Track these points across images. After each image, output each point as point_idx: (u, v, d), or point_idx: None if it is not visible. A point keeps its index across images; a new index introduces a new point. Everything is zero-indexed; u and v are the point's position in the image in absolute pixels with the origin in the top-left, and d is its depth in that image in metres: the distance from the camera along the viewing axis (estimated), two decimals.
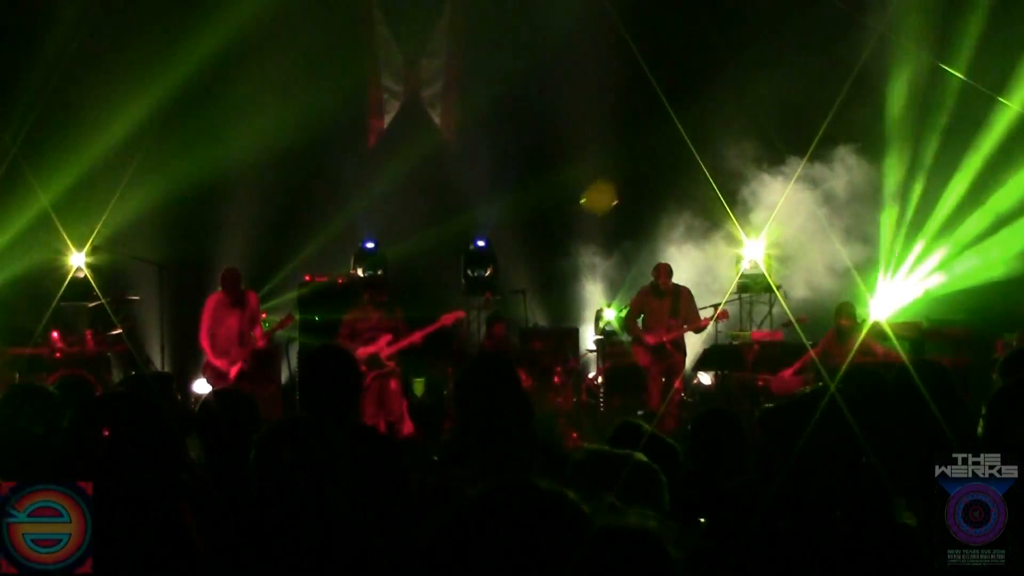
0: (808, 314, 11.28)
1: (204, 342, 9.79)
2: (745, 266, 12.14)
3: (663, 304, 10.42)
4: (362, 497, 3.04)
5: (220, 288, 9.89)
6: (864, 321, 10.29)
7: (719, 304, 11.16)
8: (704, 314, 10.72)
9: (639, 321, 10.58)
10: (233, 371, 9.63)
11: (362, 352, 9.54)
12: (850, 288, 11.50)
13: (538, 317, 12.98)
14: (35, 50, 11.20)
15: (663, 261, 11.08)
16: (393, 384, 9.91)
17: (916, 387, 3.66)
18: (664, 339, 10.28)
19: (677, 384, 10.44)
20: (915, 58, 11.50)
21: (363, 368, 9.63)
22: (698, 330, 10.64)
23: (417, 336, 9.85)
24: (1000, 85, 10.91)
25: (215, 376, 9.61)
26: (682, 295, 10.56)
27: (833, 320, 10.22)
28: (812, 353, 10.07)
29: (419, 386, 11.33)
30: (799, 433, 2.83)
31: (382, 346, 9.74)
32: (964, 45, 11.06)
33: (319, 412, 3.91)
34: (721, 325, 11.34)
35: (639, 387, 10.64)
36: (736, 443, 3.83)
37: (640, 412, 5.47)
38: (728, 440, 3.81)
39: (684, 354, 10.63)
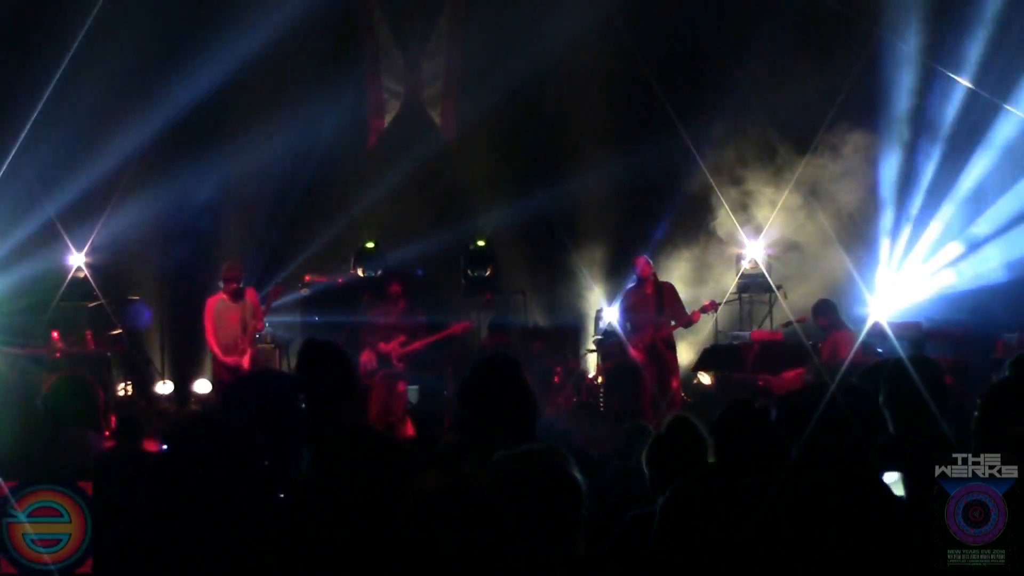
0: (809, 314, 11.27)
1: (212, 344, 9.84)
2: (745, 266, 12.13)
3: (649, 303, 10.37)
4: (358, 498, 3.04)
5: (221, 282, 9.90)
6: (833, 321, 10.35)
7: (718, 304, 11.12)
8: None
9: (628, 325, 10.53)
10: (245, 361, 9.69)
11: (382, 347, 9.71)
12: (851, 288, 11.50)
13: (538, 317, 12.98)
14: (36, 51, 11.19)
15: (663, 261, 11.06)
16: (400, 386, 9.96)
17: (915, 385, 3.64)
18: (657, 337, 10.22)
19: (674, 384, 10.37)
20: (916, 60, 11.50)
21: (375, 366, 9.70)
22: (687, 324, 10.56)
23: (426, 341, 9.96)
24: (1002, 89, 10.92)
25: (228, 373, 9.64)
26: (666, 291, 10.49)
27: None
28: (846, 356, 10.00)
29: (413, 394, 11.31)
30: (806, 426, 2.84)
31: (395, 346, 9.83)
32: (966, 48, 11.07)
33: (311, 409, 3.89)
34: (721, 320, 11.33)
35: (639, 387, 10.60)
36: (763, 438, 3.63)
37: (627, 425, 5.41)
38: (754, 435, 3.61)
39: (675, 351, 10.55)
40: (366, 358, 9.64)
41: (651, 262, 10.60)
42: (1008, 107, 10.82)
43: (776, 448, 3.20)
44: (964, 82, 11.02)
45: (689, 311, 10.48)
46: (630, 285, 10.76)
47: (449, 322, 10.23)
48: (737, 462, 3.43)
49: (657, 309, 10.30)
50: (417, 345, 9.98)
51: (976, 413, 3.12)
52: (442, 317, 10.47)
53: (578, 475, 2.55)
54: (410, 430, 10.20)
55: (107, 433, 4.95)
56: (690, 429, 3.81)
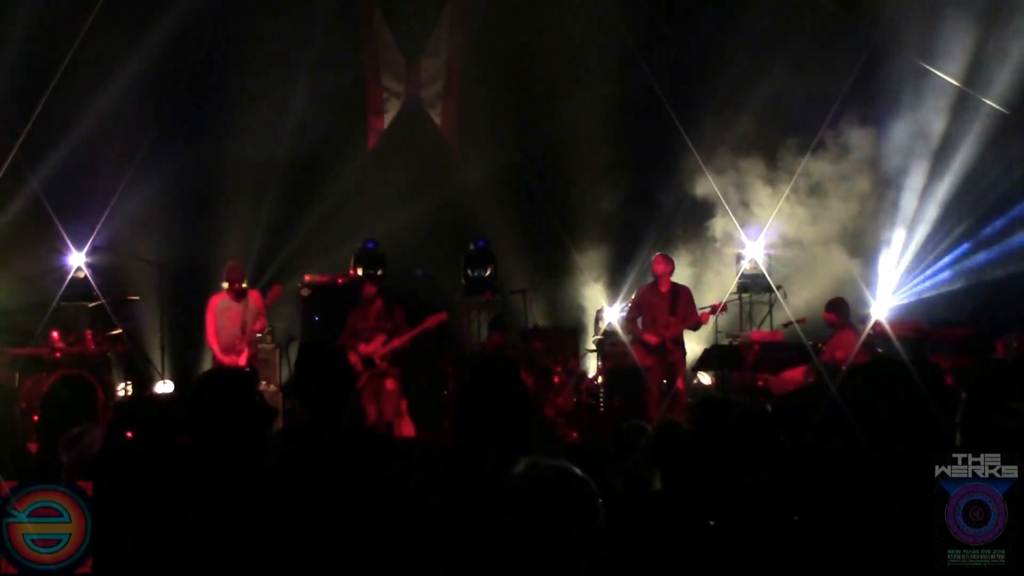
0: (809, 314, 11.28)
1: (212, 343, 9.89)
2: (745, 266, 12.13)
3: (663, 302, 10.41)
4: (359, 498, 3.04)
5: (224, 282, 9.94)
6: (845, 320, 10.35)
7: (725, 304, 11.10)
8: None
9: (638, 321, 10.57)
10: (242, 361, 9.75)
11: (363, 349, 9.78)
12: (851, 288, 11.49)
13: (538, 317, 12.97)
14: (35, 50, 11.19)
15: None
16: (389, 384, 10.03)
17: (915, 385, 3.64)
18: (666, 336, 10.25)
19: (680, 385, 10.37)
20: (911, 61, 11.50)
21: (359, 368, 9.75)
22: (696, 327, 10.62)
23: (405, 338, 10.02)
24: (989, 87, 10.93)
25: None
26: (682, 294, 10.54)
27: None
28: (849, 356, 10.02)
29: None
30: (806, 426, 2.84)
31: (377, 346, 9.91)
32: (955, 47, 11.08)
33: (312, 411, 3.89)
34: (721, 321, 11.32)
35: (639, 387, 10.61)
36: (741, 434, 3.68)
37: (624, 424, 5.41)
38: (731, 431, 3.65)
39: (684, 350, 10.61)
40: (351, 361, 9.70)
41: (669, 260, 10.60)
42: (1000, 107, 10.84)
43: (761, 446, 3.20)
44: (960, 84, 11.02)
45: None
46: (647, 284, 10.78)
47: (423, 317, 10.28)
48: (719, 459, 3.46)
49: (671, 309, 10.35)
50: (396, 343, 10.04)
51: (964, 395, 3.11)
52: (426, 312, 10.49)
53: (601, 507, 2.49)
54: (410, 430, 10.25)
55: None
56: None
